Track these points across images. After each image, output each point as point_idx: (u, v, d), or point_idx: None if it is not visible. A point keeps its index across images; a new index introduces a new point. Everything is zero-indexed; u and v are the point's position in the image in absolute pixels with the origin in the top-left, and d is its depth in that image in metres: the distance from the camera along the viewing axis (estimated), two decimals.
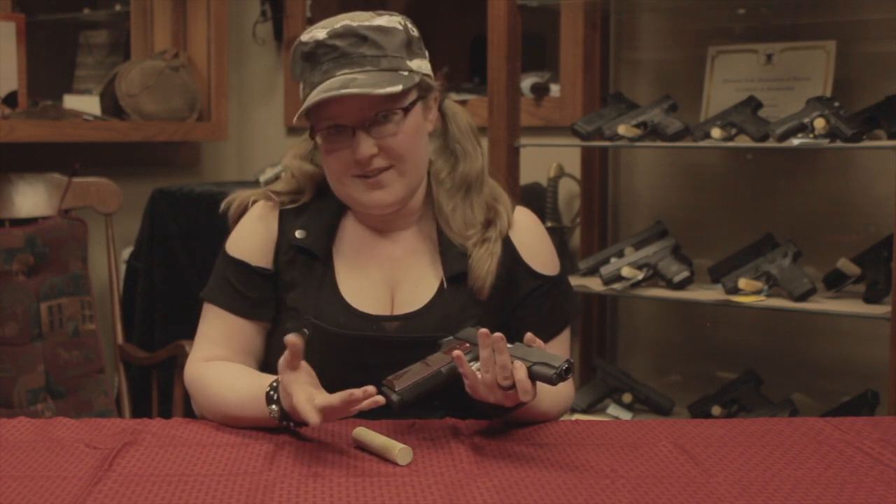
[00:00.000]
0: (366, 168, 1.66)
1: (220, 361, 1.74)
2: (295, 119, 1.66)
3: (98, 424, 1.64)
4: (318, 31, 1.64)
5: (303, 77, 1.67)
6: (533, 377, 1.47)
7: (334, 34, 1.63)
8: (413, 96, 1.68)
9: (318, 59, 1.64)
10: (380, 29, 1.64)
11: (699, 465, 1.48)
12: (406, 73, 1.65)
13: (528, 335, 1.52)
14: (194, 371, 1.74)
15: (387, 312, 1.72)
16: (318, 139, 1.67)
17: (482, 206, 1.76)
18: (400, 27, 1.67)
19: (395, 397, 1.53)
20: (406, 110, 1.66)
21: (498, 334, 1.47)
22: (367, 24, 1.64)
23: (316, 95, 1.61)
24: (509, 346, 1.50)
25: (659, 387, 3.04)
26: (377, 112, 1.64)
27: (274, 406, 1.56)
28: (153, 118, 3.38)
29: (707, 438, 1.61)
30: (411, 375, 1.55)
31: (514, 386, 1.48)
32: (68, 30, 3.87)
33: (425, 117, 1.72)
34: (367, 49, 1.63)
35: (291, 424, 1.57)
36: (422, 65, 1.70)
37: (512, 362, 1.48)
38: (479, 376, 1.51)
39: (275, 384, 1.58)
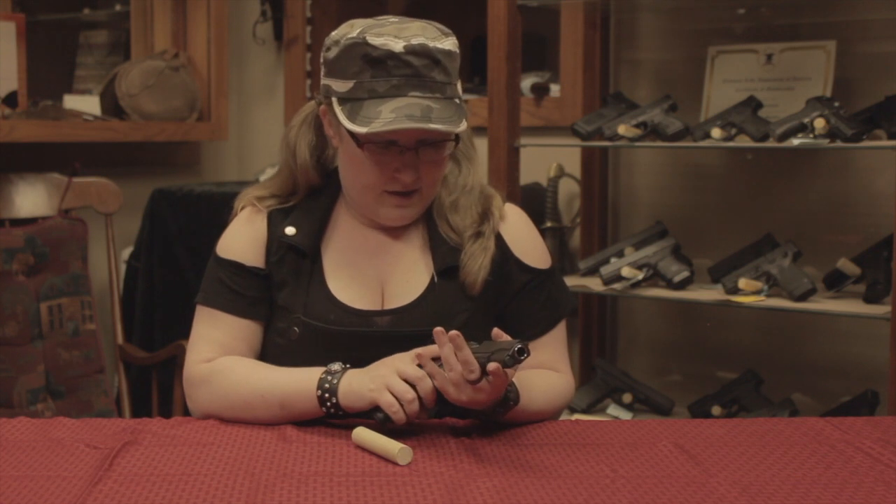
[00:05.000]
0: (405, 187, 1.68)
1: (236, 357, 1.72)
2: (364, 128, 1.59)
3: (98, 424, 1.64)
4: (392, 41, 1.60)
5: (357, 77, 1.62)
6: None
7: (410, 51, 1.60)
8: None
9: (388, 70, 1.61)
10: (448, 54, 1.64)
11: (699, 464, 1.48)
12: (459, 103, 1.66)
13: (495, 330, 1.52)
14: (204, 368, 1.71)
15: (377, 307, 1.73)
16: (364, 149, 1.64)
17: (478, 203, 1.78)
18: (457, 51, 1.68)
19: (380, 415, 1.55)
20: (455, 141, 1.68)
21: (454, 332, 1.48)
22: (439, 46, 1.63)
23: (399, 122, 1.58)
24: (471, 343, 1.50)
25: (659, 387, 3.05)
26: (433, 139, 1.65)
27: (330, 381, 1.59)
28: (153, 118, 3.38)
29: (707, 438, 1.61)
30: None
31: (480, 379, 1.48)
32: (68, 30, 3.87)
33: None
34: (438, 74, 1.62)
35: (336, 411, 1.59)
36: (461, 87, 1.71)
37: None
38: (445, 376, 1.51)
39: (336, 365, 1.61)
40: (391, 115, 1.59)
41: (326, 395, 1.59)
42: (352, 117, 1.61)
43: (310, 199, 1.79)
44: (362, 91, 1.62)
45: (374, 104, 1.60)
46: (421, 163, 1.66)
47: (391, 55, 1.60)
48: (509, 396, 1.58)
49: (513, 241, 1.78)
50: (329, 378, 1.59)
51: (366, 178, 1.68)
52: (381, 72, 1.61)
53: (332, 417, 1.62)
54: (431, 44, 1.62)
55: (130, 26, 3.63)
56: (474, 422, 1.65)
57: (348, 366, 1.62)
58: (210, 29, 3.54)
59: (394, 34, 1.61)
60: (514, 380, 1.59)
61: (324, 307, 1.71)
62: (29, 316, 2.70)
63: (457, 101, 1.66)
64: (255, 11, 3.82)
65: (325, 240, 1.77)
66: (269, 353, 1.74)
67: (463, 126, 1.64)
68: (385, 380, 1.54)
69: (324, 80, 1.69)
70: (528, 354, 1.45)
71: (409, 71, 1.61)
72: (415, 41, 1.61)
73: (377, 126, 1.58)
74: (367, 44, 1.61)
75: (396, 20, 1.65)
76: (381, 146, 1.64)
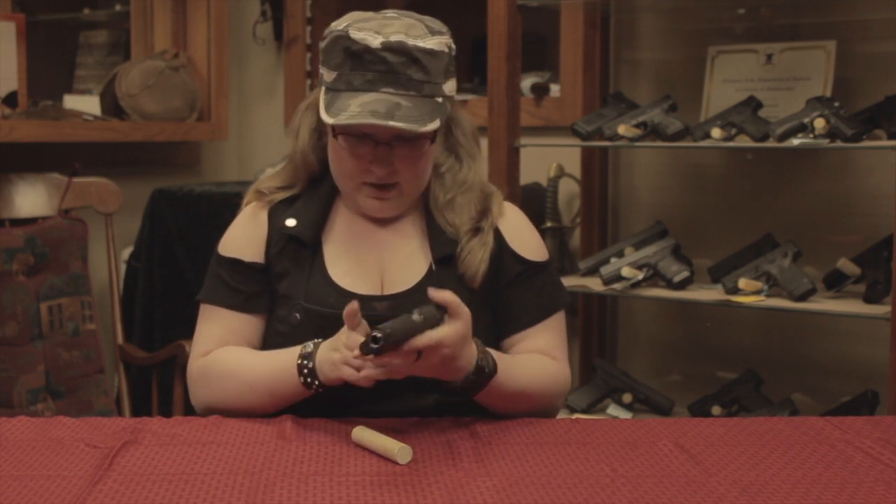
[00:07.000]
0: (379, 180, 1.70)
1: (228, 347, 1.77)
2: (331, 119, 1.64)
3: (98, 423, 1.65)
4: (371, 37, 1.63)
5: (339, 69, 1.67)
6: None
7: (388, 47, 1.63)
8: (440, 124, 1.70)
9: (364, 64, 1.64)
10: (430, 53, 1.65)
11: (699, 464, 1.48)
12: (440, 101, 1.68)
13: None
14: (200, 363, 1.77)
15: (376, 293, 1.75)
16: (339, 139, 1.69)
17: (476, 199, 1.79)
18: (446, 50, 1.69)
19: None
20: (432, 140, 1.70)
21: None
22: (420, 45, 1.64)
23: (361, 117, 1.61)
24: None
25: (659, 387, 3.05)
26: (407, 135, 1.67)
27: (307, 361, 1.62)
28: (153, 118, 3.38)
29: (707, 438, 1.61)
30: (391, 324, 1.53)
31: (418, 358, 1.51)
32: (68, 30, 3.87)
33: (437, 135, 1.75)
34: (415, 72, 1.64)
35: (316, 384, 1.62)
36: (452, 86, 1.72)
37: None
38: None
39: (310, 345, 1.64)
40: (357, 109, 1.63)
41: (309, 379, 1.63)
42: (328, 107, 1.66)
43: (311, 190, 1.82)
44: (342, 83, 1.66)
45: (348, 97, 1.65)
46: (397, 157, 1.69)
47: (368, 50, 1.64)
48: (482, 365, 1.60)
49: (510, 236, 1.81)
50: (306, 363, 1.63)
51: (343, 168, 1.73)
52: (358, 66, 1.65)
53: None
54: (411, 42, 1.64)
55: (130, 26, 3.63)
56: (474, 420, 1.66)
57: (319, 341, 1.64)
58: (210, 29, 3.54)
59: (375, 30, 1.65)
60: (495, 356, 1.63)
61: (324, 292, 1.74)
62: (29, 316, 2.70)
63: (438, 99, 1.67)
64: (255, 11, 3.82)
65: (326, 230, 1.80)
66: (272, 341, 1.77)
67: (434, 125, 1.65)
68: (340, 369, 1.57)
69: (320, 68, 1.74)
70: (381, 342, 1.46)
71: (384, 67, 1.64)
72: (393, 38, 1.64)
73: (342, 119, 1.63)
74: (348, 37, 1.65)
75: (393, 15, 1.68)
76: (356, 137, 1.68)
